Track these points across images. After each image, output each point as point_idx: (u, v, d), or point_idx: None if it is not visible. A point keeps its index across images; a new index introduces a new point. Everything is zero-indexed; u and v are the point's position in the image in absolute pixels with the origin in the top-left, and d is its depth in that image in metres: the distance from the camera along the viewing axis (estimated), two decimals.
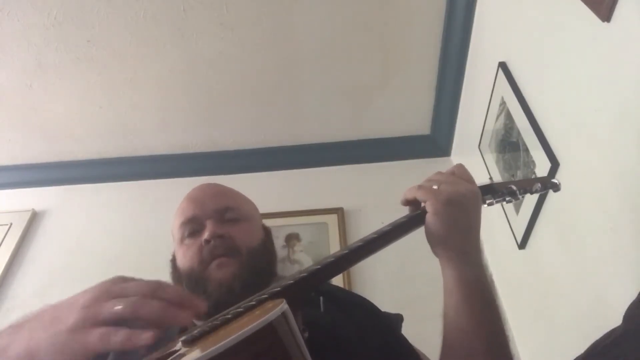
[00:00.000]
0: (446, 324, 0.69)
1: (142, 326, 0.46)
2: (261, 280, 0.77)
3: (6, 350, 0.47)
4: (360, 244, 0.65)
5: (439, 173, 0.73)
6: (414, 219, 0.69)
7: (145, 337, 0.45)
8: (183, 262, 0.78)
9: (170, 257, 0.85)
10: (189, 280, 0.76)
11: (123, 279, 0.50)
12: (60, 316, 0.47)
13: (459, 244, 0.68)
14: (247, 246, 0.78)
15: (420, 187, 0.69)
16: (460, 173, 0.72)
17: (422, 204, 0.69)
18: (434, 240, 0.69)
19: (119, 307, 0.46)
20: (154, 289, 0.49)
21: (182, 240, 0.80)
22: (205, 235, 0.76)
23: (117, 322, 0.46)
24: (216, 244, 0.76)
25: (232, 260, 0.76)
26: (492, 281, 0.70)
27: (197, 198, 0.83)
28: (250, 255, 0.78)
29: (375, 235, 0.66)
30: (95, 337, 0.45)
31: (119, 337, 0.45)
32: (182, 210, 0.83)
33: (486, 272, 0.70)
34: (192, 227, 0.80)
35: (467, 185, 0.69)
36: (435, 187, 0.68)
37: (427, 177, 0.72)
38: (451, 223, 0.66)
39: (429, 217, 0.67)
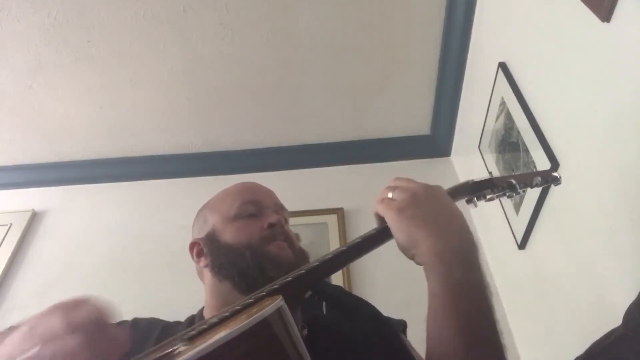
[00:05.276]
0: (426, 333, 0.62)
1: None
2: None
3: None
4: (359, 240, 0.67)
5: (387, 186, 0.70)
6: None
7: None
8: (237, 236, 0.77)
9: (208, 231, 0.82)
10: (244, 251, 0.75)
11: None
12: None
13: (427, 246, 0.61)
14: (297, 246, 0.81)
15: (379, 201, 0.67)
16: (402, 180, 0.70)
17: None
18: (406, 253, 0.64)
19: None
20: None
21: (236, 217, 0.80)
22: (273, 219, 0.78)
23: None
24: (281, 231, 0.79)
25: (290, 250, 0.78)
26: (480, 281, 0.61)
27: (256, 188, 0.87)
28: (298, 255, 0.79)
29: (374, 232, 0.68)
30: None
31: None
32: (241, 191, 0.85)
33: (473, 273, 0.61)
34: (252, 209, 0.81)
35: (413, 184, 0.67)
36: (390, 195, 0.66)
37: (379, 192, 0.70)
38: (410, 229, 0.62)
39: (393, 232, 0.64)
